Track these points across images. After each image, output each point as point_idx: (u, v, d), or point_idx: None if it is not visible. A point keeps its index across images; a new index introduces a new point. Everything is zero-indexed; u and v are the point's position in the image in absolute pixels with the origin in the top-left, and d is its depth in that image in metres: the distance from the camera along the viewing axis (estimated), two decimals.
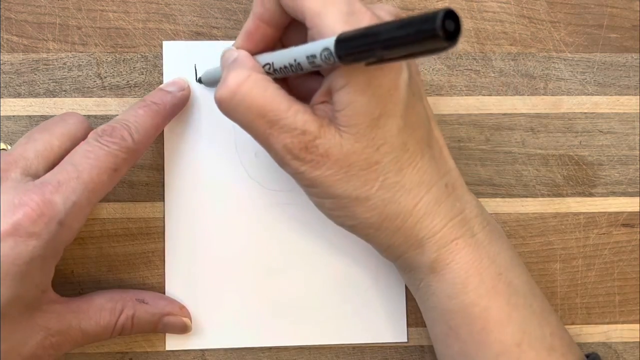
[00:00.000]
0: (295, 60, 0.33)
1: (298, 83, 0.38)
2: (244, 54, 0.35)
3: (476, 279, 0.35)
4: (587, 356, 0.38)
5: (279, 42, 0.37)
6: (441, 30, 0.25)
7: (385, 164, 0.34)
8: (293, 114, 0.33)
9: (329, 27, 0.31)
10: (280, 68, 0.34)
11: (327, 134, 0.33)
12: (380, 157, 0.34)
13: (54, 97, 0.42)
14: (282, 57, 0.34)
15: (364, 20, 0.32)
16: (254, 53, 0.36)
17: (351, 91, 0.32)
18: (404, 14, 0.38)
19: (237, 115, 0.34)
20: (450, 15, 0.26)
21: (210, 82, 0.41)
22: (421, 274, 0.36)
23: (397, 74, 0.33)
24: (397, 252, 0.36)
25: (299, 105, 0.33)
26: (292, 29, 0.36)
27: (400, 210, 0.35)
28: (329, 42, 0.30)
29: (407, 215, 0.35)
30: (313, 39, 0.32)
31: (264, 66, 0.35)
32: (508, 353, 0.35)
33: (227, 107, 0.34)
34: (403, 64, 0.33)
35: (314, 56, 0.31)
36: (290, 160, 0.34)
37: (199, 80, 0.42)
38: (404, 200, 0.35)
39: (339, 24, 0.31)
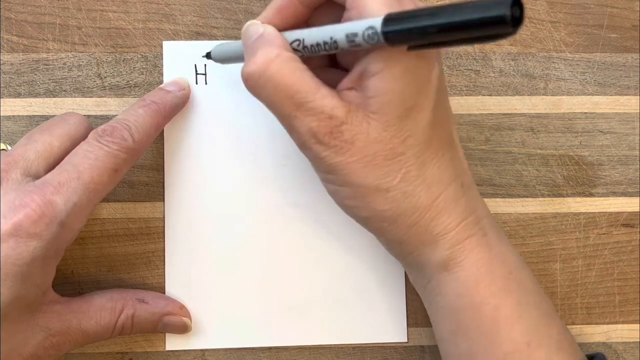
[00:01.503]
0: (331, 38, 0.32)
1: (316, 74, 0.37)
2: (271, 30, 0.34)
3: (488, 277, 0.35)
4: (593, 357, 0.38)
5: (305, 22, 0.36)
6: (509, 17, 0.26)
7: (409, 156, 0.33)
8: (321, 97, 0.32)
9: (372, 9, 0.31)
10: (312, 45, 0.33)
11: (355, 120, 0.33)
12: (405, 148, 0.33)
13: (54, 97, 0.42)
14: (317, 34, 0.33)
15: (407, 6, 0.31)
16: (280, 29, 0.35)
17: (388, 78, 0.32)
18: None
19: (264, 93, 0.33)
20: (516, 2, 0.26)
21: (222, 58, 0.39)
22: (430, 272, 0.36)
23: (430, 68, 0.33)
24: (408, 249, 0.36)
25: (326, 89, 0.33)
26: (322, 10, 0.36)
27: (419, 205, 0.34)
28: (375, 21, 0.30)
29: (425, 210, 0.34)
30: (350, 20, 0.32)
31: (292, 42, 0.34)
32: (518, 352, 0.35)
33: (255, 85, 0.33)
34: (434, 60, 0.33)
35: (355, 35, 0.31)
36: (313, 144, 0.33)
37: (207, 56, 0.40)
38: (424, 195, 0.34)
39: (383, 7, 0.31)
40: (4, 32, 0.42)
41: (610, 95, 0.44)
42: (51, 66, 0.42)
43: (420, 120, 0.33)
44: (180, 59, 0.42)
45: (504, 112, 0.43)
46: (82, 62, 0.42)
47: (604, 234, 0.43)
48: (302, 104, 0.33)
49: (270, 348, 0.42)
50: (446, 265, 0.35)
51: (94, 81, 0.42)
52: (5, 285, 0.32)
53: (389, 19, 0.30)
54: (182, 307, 0.41)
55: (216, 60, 0.40)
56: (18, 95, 0.41)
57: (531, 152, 0.43)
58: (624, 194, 0.43)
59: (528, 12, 0.43)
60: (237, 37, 0.42)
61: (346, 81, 0.34)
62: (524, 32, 0.43)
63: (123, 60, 0.42)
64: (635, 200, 0.43)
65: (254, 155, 0.42)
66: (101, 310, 0.38)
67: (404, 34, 0.29)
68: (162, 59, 0.42)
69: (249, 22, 0.35)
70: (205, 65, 0.42)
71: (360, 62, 0.33)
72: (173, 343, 0.41)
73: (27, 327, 0.35)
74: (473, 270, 0.35)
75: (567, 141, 0.43)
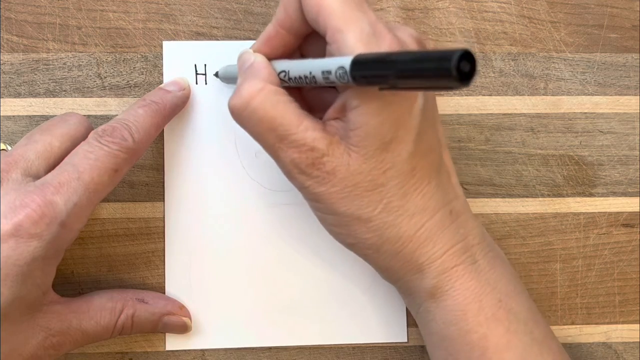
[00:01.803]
0: (310, 73, 0.33)
1: (313, 94, 0.38)
2: (260, 60, 0.35)
3: (475, 305, 0.35)
4: None
5: (298, 50, 0.37)
6: (455, 71, 0.25)
7: (390, 187, 0.34)
8: (303, 129, 0.33)
9: (348, 46, 0.31)
10: (295, 78, 0.34)
11: (336, 152, 0.33)
12: (386, 180, 0.34)
13: (54, 97, 0.42)
14: (298, 67, 0.34)
15: (384, 43, 0.32)
16: (271, 58, 0.36)
17: (364, 112, 0.32)
18: (425, 38, 0.39)
19: (248, 125, 0.34)
20: (467, 57, 0.26)
21: (227, 79, 0.41)
22: (420, 298, 0.36)
23: (412, 101, 0.33)
24: (396, 275, 0.36)
25: (309, 121, 0.33)
26: (312, 39, 0.36)
27: (401, 235, 0.35)
28: (345, 61, 0.30)
29: (408, 240, 0.35)
30: (331, 55, 0.32)
31: (279, 73, 0.35)
32: None
33: (239, 117, 0.34)
34: (418, 92, 0.33)
35: (329, 72, 0.31)
36: (297, 174, 0.34)
37: (216, 75, 0.41)
38: (405, 225, 0.34)
39: (359, 44, 0.31)
40: (4, 32, 0.42)
41: (610, 95, 0.44)
42: (51, 66, 0.42)
43: (401, 152, 0.33)
44: (180, 59, 0.42)
45: (504, 112, 0.43)
46: (82, 62, 0.42)
47: (604, 234, 0.43)
48: (284, 136, 0.33)
49: (270, 348, 0.42)
50: (433, 293, 0.35)
51: (94, 81, 0.42)
52: (6, 285, 0.32)
53: (356, 62, 0.30)
54: (182, 307, 0.41)
55: (222, 80, 0.41)
56: (18, 95, 0.41)
57: (531, 152, 0.43)
58: (624, 194, 0.43)
59: (529, 12, 0.44)
60: (237, 37, 0.42)
61: (331, 111, 0.34)
62: (524, 32, 0.43)
63: (123, 60, 0.42)
64: (635, 200, 0.43)
65: (254, 155, 0.42)
66: (101, 310, 0.38)
67: (368, 78, 0.29)
68: (162, 59, 0.42)
69: (242, 50, 0.36)
70: (205, 65, 0.42)
71: (342, 95, 0.33)
72: (173, 343, 0.41)
73: (27, 327, 0.35)
74: (460, 299, 0.35)
75: (567, 141, 0.43)
